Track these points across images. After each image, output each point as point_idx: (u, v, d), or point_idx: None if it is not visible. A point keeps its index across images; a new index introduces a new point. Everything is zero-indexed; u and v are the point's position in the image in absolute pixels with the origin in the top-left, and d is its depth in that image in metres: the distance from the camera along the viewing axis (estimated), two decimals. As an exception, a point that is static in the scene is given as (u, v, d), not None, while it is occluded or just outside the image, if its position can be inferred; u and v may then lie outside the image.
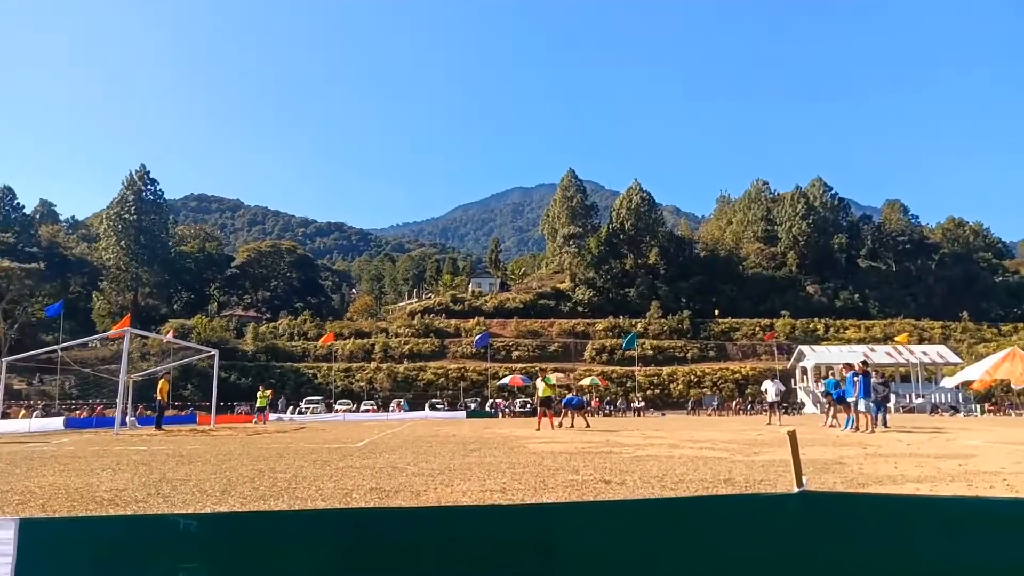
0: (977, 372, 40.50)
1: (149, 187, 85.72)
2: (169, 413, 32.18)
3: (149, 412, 31.42)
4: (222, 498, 5.56)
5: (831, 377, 21.64)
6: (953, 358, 53.28)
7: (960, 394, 45.68)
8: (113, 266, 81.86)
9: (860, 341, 66.84)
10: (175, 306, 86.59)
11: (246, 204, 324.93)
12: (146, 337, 46.28)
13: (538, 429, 19.73)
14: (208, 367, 44.21)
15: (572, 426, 22.33)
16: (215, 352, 28.84)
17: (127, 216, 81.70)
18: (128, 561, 1.86)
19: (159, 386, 23.98)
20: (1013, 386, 42.49)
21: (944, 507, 2.19)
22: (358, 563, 1.98)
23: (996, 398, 46.68)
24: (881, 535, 2.03)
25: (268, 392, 35.70)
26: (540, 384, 21.55)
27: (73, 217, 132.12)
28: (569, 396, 26.59)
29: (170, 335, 39.39)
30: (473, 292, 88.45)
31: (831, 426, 19.92)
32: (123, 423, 22.19)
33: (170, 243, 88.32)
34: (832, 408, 21.21)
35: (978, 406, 44.03)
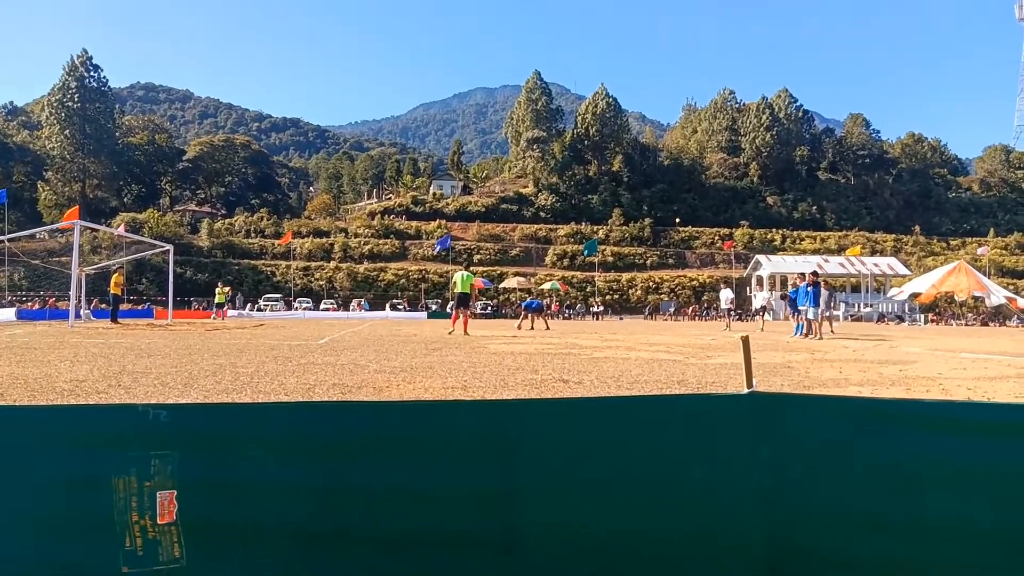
0: (924, 285, 42.19)
1: (92, 73, 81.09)
2: (124, 307, 31.86)
3: (104, 306, 31.00)
4: (184, 391, 5.61)
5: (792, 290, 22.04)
6: (903, 270, 55.13)
7: (906, 304, 47.50)
8: (58, 156, 78.42)
9: (815, 252, 68.46)
10: (125, 199, 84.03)
11: (196, 95, 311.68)
12: (96, 230, 45.08)
13: (451, 332, 17.26)
14: (163, 262, 43.47)
15: (532, 328, 22.75)
16: (170, 247, 28.32)
17: (70, 103, 77.65)
18: (100, 448, 1.90)
19: (113, 279, 23.65)
20: (957, 298, 44.34)
21: (882, 408, 2.32)
22: (324, 454, 2.04)
23: (940, 308, 48.68)
24: (824, 433, 2.16)
25: (227, 288, 35.44)
26: (458, 277, 18.31)
27: (11, 103, 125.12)
28: (529, 300, 26.97)
29: (122, 228, 38.44)
30: (434, 194, 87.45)
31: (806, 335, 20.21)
32: (78, 316, 21.91)
33: (117, 134, 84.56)
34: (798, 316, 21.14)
35: (922, 316, 45.94)
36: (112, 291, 23.72)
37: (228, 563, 1.95)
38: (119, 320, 23.18)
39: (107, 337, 13.97)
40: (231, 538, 1.96)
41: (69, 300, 21.67)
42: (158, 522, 1.90)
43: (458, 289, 18.08)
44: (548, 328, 23.33)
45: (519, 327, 22.98)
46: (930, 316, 46.81)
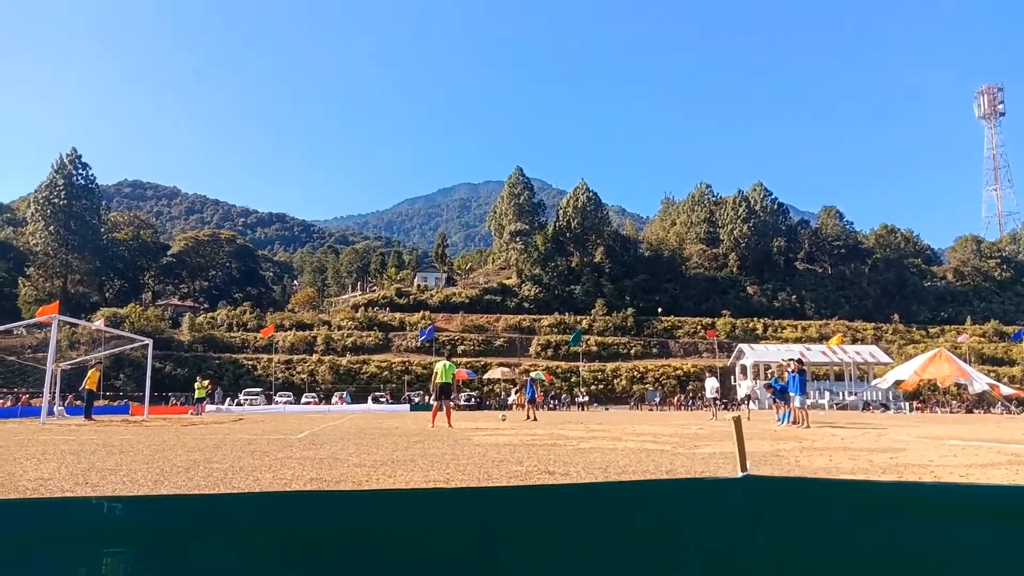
0: (907, 372, 42.24)
1: (80, 171, 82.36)
2: (100, 403, 31.12)
3: (78, 402, 30.26)
4: (154, 488, 5.36)
5: (773, 376, 22.26)
6: (884, 358, 55.41)
7: (891, 392, 47.45)
8: (41, 252, 78.49)
9: (797, 340, 68.87)
10: (107, 294, 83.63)
11: (183, 192, 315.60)
12: (75, 324, 44.55)
13: (432, 425, 16.31)
14: (142, 357, 42.87)
15: (528, 413, 22.85)
16: (148, 341, 28.01)
17: (56, 200, 78.37)
18: (47, 546, 1.75)
19: (89, 375, 23.16)
20: (940, 385, 44.39)
21: (878, 491, 2.23)
22: (295, 546, 1.90)
23: (924, 396, 48.63)
24: (820, 517, 2.05)
25: (207, 382, 34.80)
26: (440, 367, 17.27)
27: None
28: (529, 380, 26.74)
29: (101, 323, 37.99)
30: (419, 286, 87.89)
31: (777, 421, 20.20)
32: (51, 413, 21.33)
33: (102, 229, 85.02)
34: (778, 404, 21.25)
35: (907, 404, 45.79)
36: (87, 387, 23.19)
37: (183, 674, 1.78)
38: (93, 416, 22.56)
39: (79, 434, 13.54)
40: (187, 645, 1.79)
41: (43, 396, 21.14)
42: (107, 628, 1.73)
43: (439, 379, 17.08)
44: (534, 419, 23.01)
45: (528, 417, 22.91)
46: (915, 404, 46.69)
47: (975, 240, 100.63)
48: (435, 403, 17.51)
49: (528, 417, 22.74)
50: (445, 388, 17.16)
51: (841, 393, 51.39)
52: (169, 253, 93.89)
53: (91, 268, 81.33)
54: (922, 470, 6.98)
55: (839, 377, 56.52)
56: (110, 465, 7.05)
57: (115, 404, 42.42)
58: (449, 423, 16.78)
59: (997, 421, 25.28)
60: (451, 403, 18.05)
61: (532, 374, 54.67)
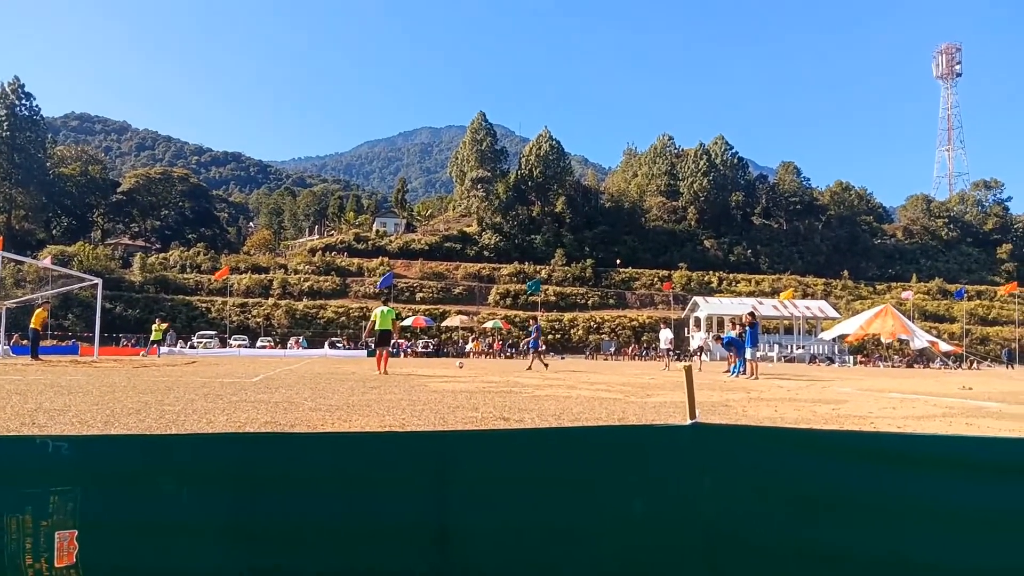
0: (852, 327, 43.61)
1: (24, 101, 78.59)
2: (48, 343, 30.42)
3: (24, 342, 29.51)
4: (104, 429, 5.30)
5: (729, 331, 22.57)
6: (832, 313, 56.94)
7: (836, 346, 48.92)
8: (-18, 186, 75.42)
9: (750, 294, 70.20)
10: (54, 231, 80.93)
11: (134, 127, 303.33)
12: (21, 262, 43.13)
13: (378, 371, 15.78)
14: (91, 297, 41.84)
15: (546, 365, 22.36)
16: (98, 281, 27.33)
17: (-2, 132, 75.03)
18: (-9, 484, 1.72)
19: (35, 314, 22.57)
20: (883, 340, 45.94)
21: (819, 440, 2.31)
22: (249, 488, 1.91)
23: (867, 350, 50.29)
24: (767, 464, 2.13)
25: (165, 325, 34.24)
26: (377, 314, 16.80)
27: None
28: (535, 329, 25.59)
29: (48, 261, 36.90)
30: (377, 232, 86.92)
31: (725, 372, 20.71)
32: (-6, 353, 20.78)
33: (48, 164, 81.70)
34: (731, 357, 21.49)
35: (851, 357, 47.32)
36: (33, 326, 22.60)
37: (134, 611, 1.78)
38: (40, 356, 22.07)
39: (25, 374, 13.25)
40: (138, 583, 1.79)
41: (-14, 335, 20.58)
42: (56, 565, 1.73)
43: (379, 326, 16.60)
44: (531, 368, 22.13)
45: (530, 368, 22.24)
46: (859, 358, 48.27)
47: (925, 199, 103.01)
48: (378, 350, 17.04)
49: (546, 366, 22.56)
50: (384, 335, 16.70)
51: (790, 346, 52.83)
52: (119, 190, 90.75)
53: (37, 203, 78.48)
54: (862, 421, 7.26)
55: (788, 331, 57.97)
56: (58, 406, 6.93)
57: (63, 344, 41.51)
58: (384, 369, 16.01)
59: (935, 376, 26.31)
60: (388, 350, 17.32)
61: (488, 324, 54.98)
